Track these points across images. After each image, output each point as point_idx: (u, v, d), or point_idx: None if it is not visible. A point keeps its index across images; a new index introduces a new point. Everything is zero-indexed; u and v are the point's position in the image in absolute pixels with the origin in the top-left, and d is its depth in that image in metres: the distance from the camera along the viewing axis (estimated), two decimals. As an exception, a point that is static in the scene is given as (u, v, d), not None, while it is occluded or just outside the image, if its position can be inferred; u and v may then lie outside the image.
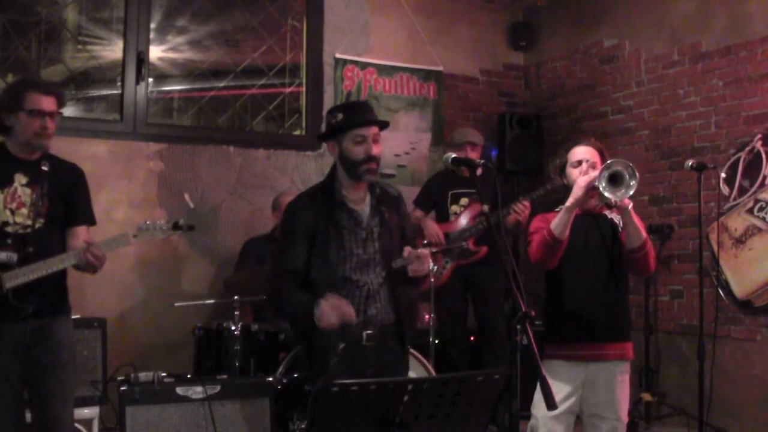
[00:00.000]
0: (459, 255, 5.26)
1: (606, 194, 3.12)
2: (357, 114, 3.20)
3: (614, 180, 3.13)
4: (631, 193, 3.12)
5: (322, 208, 3.15)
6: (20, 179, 3.29)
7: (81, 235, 3.40)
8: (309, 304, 3.01)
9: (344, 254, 3.12)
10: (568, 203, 3.19)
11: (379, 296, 3.16)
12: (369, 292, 3.14)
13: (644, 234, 3.25)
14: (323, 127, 3.35)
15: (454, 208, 5.37)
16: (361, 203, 3.21)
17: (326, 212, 3.14)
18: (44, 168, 3.31)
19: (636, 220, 3.23)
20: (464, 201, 5.34)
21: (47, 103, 3.28)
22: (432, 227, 5.26)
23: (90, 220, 3.50)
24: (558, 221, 3.20)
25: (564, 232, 3.20)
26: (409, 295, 3.39)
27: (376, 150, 3.13)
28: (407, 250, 3.07)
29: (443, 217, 5.39)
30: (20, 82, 3.53)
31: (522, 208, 4.87)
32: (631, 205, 3.20)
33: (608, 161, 3.19)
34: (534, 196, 4.93)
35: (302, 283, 3.13)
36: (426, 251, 3.11)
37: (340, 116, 3.17)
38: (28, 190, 3.28)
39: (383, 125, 3.24)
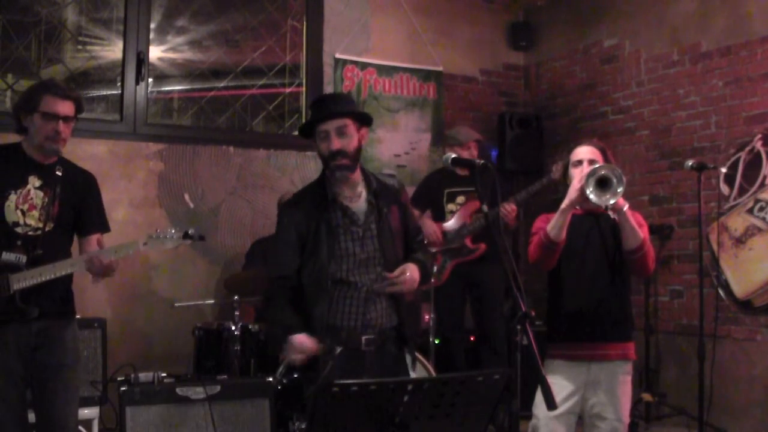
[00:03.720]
0: (457, 253, 5.26)
1: (592, 198, 3.11)
2: (317, 109, 3.01)
3: (602, 185, 3.12)
4: (613, 201, 3.11)
5: (312, 207, 3.00)
6: (34, 182, 3.29)
7: (93, 243, 3.39)
8: (285, 330, 2.90)
9: (340, 254, 2.96)
10: (563, 205, 3.18)
11: (380, 298, 3.00)
12: (368, 293, 2.98)
13: (641, 235, 3.22)
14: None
15: (450, 206, 5.36)
16: (357, 200, 3.04)
17: (316, 211, 2.98)
18: (58, 173, 3.31)
19: (633, 221, 3.22)
20: (461, 199, 5.33)
21: (63, 107, 3.26)
22: (430, 226, 5.25)
23: (103, 228, 3.49)
24: (554, 223, 3.19)
25: (560, 235, 3.19)
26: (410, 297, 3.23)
27: (335, 144, 2.93)
28: (393, 274, 2.94)
29: (439, 216, 5.38)
30: (40, 84, 3.48)
31: (509, 209, 4.87)
32: (626, 207, 3.19)
33: (595, 166, 3.18)
34: (519, 198, 4.95)
35: (295, 288, 3.01)
36: (411, 267, 2.98)
37: (310, 113, 3.04)
38: (40, 193, 3.28)
39: (348, 115, 2.98)
